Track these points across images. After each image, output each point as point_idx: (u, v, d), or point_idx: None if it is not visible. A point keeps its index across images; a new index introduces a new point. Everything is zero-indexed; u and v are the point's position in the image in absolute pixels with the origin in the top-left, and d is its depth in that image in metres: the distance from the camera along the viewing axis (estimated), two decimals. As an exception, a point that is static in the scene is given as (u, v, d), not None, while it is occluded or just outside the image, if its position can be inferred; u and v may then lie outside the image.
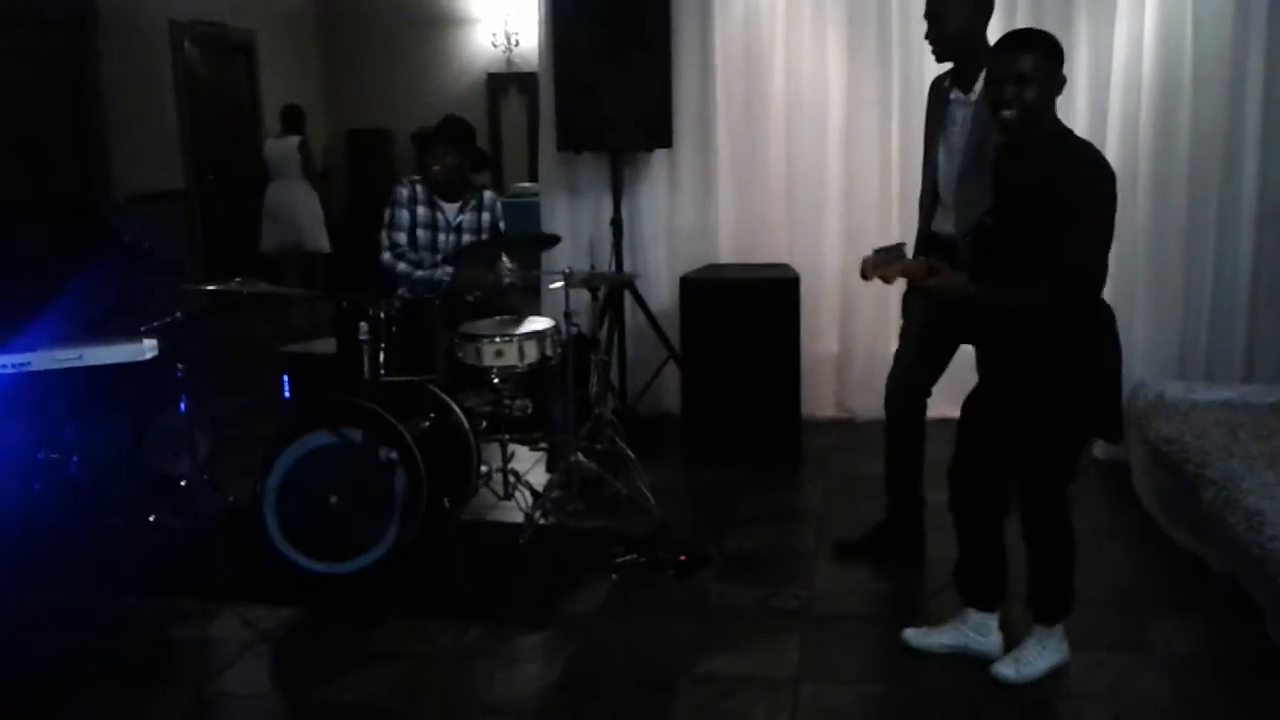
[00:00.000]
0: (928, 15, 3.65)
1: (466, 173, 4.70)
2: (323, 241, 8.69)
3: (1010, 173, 2.94)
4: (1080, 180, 2.80)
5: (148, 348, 3.93)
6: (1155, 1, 4.91)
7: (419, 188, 4.64)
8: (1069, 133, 2.93)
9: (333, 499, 3.65)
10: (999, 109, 2.85)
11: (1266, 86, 4.83)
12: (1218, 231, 4.97)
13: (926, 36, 3.67)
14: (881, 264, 3.03)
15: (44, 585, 3.78)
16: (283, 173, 8.60)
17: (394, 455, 3.65)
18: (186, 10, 8.56)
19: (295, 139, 8.62)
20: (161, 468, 4.42)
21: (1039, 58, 2.81)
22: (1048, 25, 4.96)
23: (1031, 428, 2.94)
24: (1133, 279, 5.02)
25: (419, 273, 4.58)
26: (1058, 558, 3.04)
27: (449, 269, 4.56)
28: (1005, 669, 3.07)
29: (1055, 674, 3.07)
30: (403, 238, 4.61)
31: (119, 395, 4.23)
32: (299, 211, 8.56)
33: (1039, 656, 3.06)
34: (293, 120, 8.76)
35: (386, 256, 4.62)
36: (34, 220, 4.78)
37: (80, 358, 3.87)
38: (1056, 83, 2.85)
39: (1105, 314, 2.95)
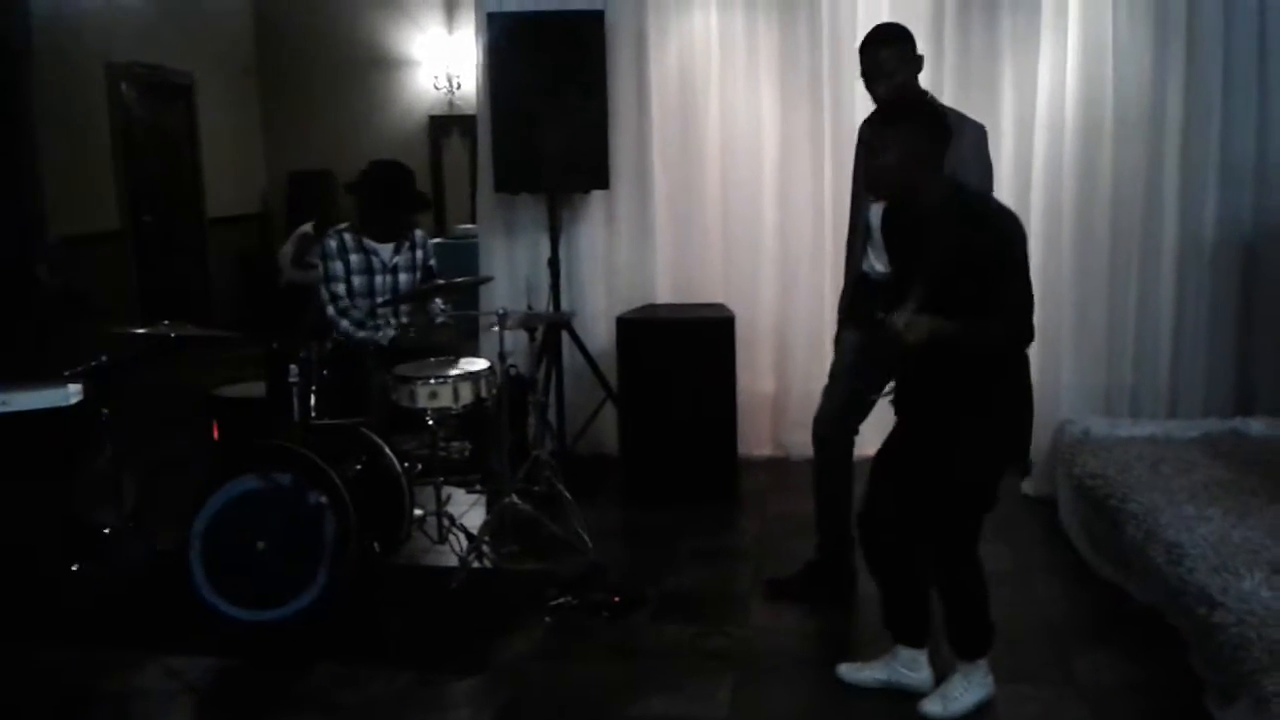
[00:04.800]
0: (871, 75, 3.62)
1: (400, 215, 4.68)
2: None
3: (911, 245, 3.03)
4: (994, 235, 2.90)
5: (72, 393, 3.88)
6: (1077, 47, 5.07)
7: (347, 236, 4.61)
8: (960, 192, 3.00)
9: (260, 545, 3.59)
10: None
11: (1185, 128, 5.00)
12: (1140, 272, 5.11)
13: (871, 96, 3.64)
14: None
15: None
16: None
17: (323, 499, 3.61)
18: (124, 52, 8.49)
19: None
20: (87, 515, 4.32)
21: (893, 111, 3.05)
22: (973, 71, 5.14)
23: (936, 462, 2.98)
24: (1058, 318, 5.14)
25: (360, 333, 4.55)
26: (969, 598, 3.08)
27: (392, 332, 4.54)
28: (932, 706, 3.09)
29: (982, 708, 3.10)
30: (341, 288, 4.58)
31: (43, 442, 4.15)
32: None
33: (965, 692, 3.09)
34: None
35: (330, 312, 4.59)
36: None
37: (4, 404, 3.81)
38: (919, 152, 2.93)
39: (1024, 366, 3.04)
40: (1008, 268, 2.90)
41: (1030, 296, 2.94)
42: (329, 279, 4.59)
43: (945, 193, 2.96)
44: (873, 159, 3.03)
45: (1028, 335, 2.93)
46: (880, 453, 3.20)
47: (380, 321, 4.59)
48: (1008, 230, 2.94)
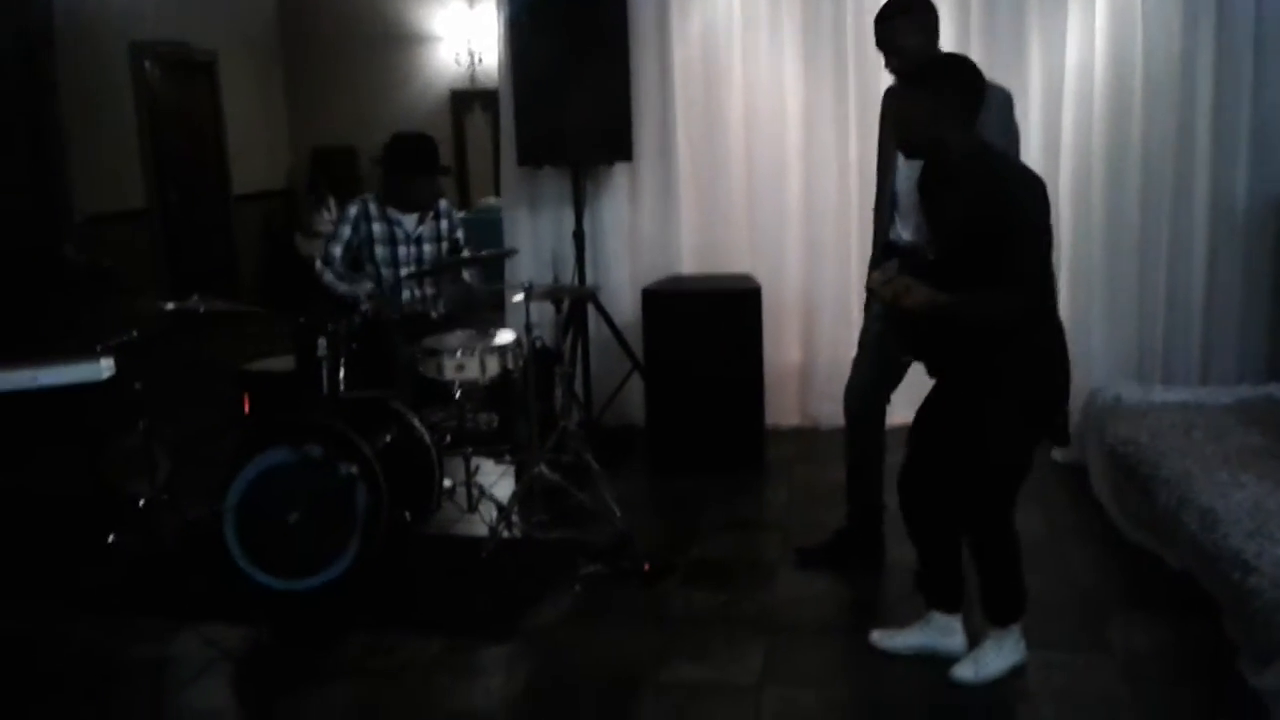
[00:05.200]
0: (883, 47, 3.60)
1: (421, 181, 4.69)
2: None
3: (938, 203, 3.01)
4: (1007, 199, 2.83)
5: (105, 367, 3.91)
6: (1106, 13, 5.00)
7: (371, 205, 4.62)
8: (984, 152, 2.94)
9: (293, 516, 3.62)
10: None
11: (1216, 93, 4.93)
12: (1171, 236, 5.05)
13: (887, 67, 3.64)
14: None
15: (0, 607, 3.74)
16: None
17: (354, 470, 3.63)
18: (147, 30, 8.52)
19: None
20: (120, 488, 4.37)
21: (916, 73, 2.99)
22: (1000, 38, 5.08)
23: (967, 435, 2.96)
24: (1089, 284, 5.10)
25: (343, 287, 4.54)
26: (1002, 563, 3.07)
27: (369, 286, 4.53)
28: (964, 671, 3.09)
29: (1014, 673, 3.09)
30: (338, 250, 4.58)
31: (77, 415, 4.19)
32: None
33: (996, 657, 3.09)
34: None
35: (318, 264, 4.61)
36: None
37: (35, 379, 3.84)
38: (949, 107, 2.88)
39: (1048, 329, 2.98)
40: (1018, 234, 2.80)
41: (1042, 268, 2.87)
42: (332, 239, 4.61)
43: (970, 151, 2.91)
44: (902, 111, 2.99)
45: (1033, 307, 2.85)
46: (919, 413, 3.18)
47: (402, 274, 4.59)
48: (1023, 194, 2.85)
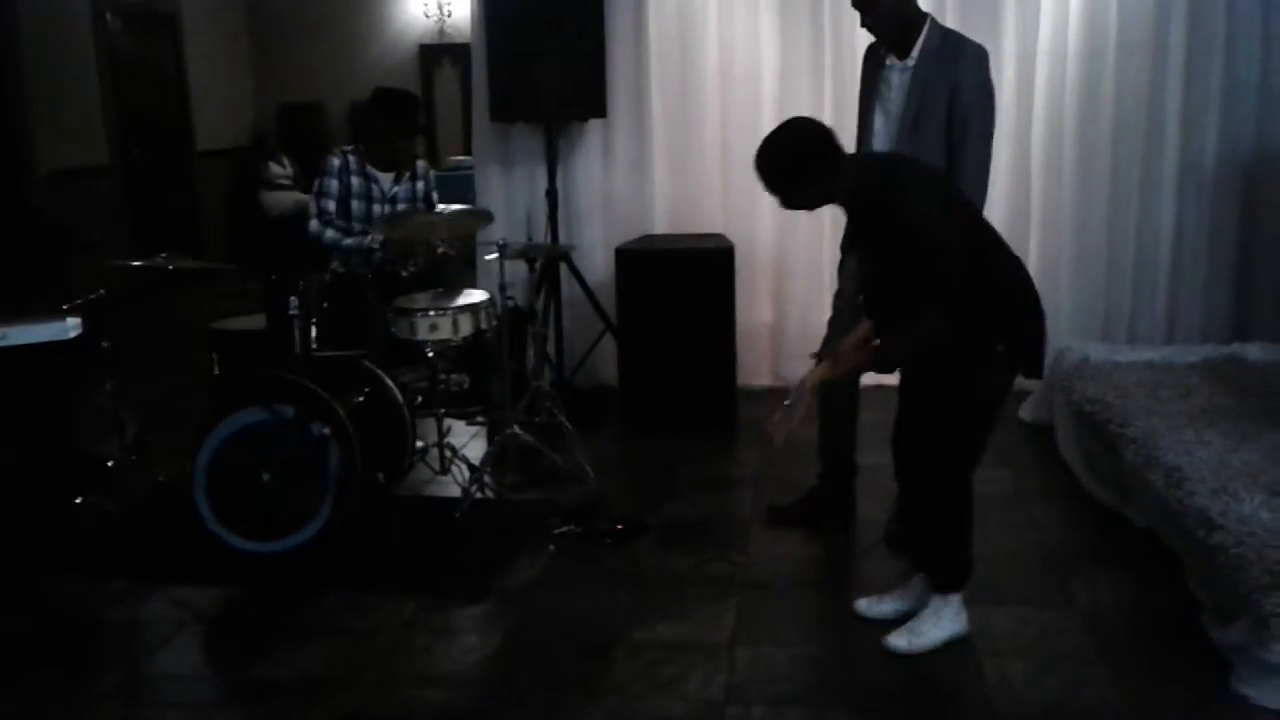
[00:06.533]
0: (858, 5, 3.59)
1: (400, 139, 4.65)
2: None
3: (859, 231, 3.16)
4: (894, 205, 2.84)
5: (71, 326, 3.86)
6: (1080, -30, 4.99)
7: (351, 158, 4.59)
8: (867, 170, 3.00)
9: (265, 476, 3.61)
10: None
11: (1188, 54, 4.95)
12: (1140, 198, 5.09)
13: (863, 25, 3.63)
14: (785, 421, 3.03)
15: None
16: None
17: (327, 431, 3.61)
18: (107, -19, 8.34)
19: None
20: (89, 449, 4.33)
21: (769, 178, 2.92)
22: (976, -5, 5.04)
23: (940, 394, 2.97)
24: (1058, 244, 5.14)
25: (348, 240, 4.53)
26: (954, 524, 3.05)
27: (379, 235, 4.52)
28: (898, 640, 3.06)
29: (983, 630, 3.13)
30: (331, 205, 4.56)
31: (43, 375, 4.14)
32: None
33: (934, 627, 3.05)
34: None
35: (314, 224, 4.57)
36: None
37: (3, 338, 3.79)
38: (804, 171, 2.89)
39: (1008, 299, 2.95)
40: (921, 234, 2.77)
41: (962, 263, 2.78)
42: (320, 194, 4.58)
43: (851, 182, 2.92)
44: (781, 198, 2.99)
45: (969, 303, 2.79)
46: (904, 376, 3.18)
47: (365, 226, 4.56)
48: (911, 196, 2.84)
